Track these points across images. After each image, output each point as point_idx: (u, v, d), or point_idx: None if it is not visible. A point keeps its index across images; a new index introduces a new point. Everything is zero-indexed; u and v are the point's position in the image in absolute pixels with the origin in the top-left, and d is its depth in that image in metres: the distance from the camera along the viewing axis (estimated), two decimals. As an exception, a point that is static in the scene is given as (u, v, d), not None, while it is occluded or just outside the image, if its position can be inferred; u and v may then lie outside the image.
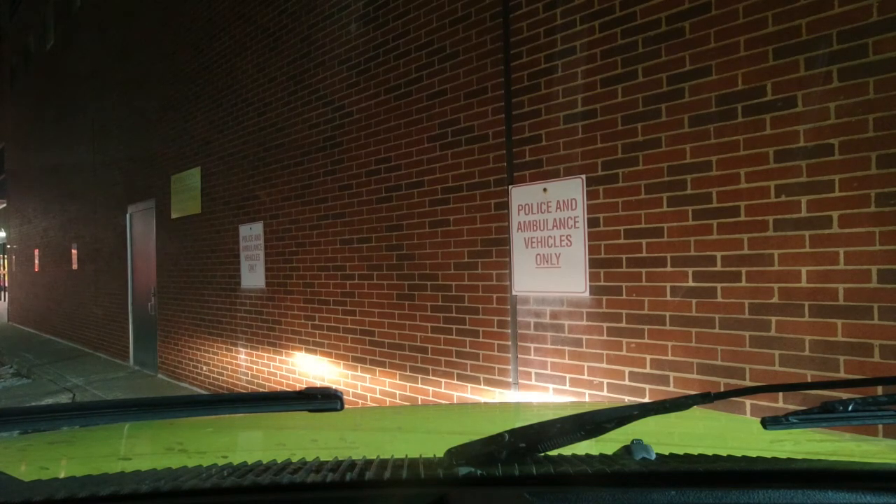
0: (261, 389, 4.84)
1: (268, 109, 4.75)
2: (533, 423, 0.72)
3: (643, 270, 2.45)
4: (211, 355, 5.57)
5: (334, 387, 0.73)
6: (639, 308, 2.46)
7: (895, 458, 0.97)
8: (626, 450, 0.72)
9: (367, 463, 0.69)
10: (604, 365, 2.57)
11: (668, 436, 1.09)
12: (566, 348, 2.70)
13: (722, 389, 2.15)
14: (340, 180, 3.99)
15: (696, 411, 1.20)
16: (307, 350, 4.31)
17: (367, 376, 3.78)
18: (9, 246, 13.86)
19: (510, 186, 2.93)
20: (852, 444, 1.13)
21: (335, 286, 4.04)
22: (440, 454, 0.70)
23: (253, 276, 4.90)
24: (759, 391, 0.82)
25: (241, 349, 5.10)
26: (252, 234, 4.90)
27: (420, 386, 3.42)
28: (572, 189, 2.67)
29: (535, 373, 2.83)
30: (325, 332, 4.14)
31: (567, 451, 0.72)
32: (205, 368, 5.69)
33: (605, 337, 2.57)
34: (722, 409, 1.77)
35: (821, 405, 0.71)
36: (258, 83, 4.87)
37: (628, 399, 2.47)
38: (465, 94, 3.17)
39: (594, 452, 0.73)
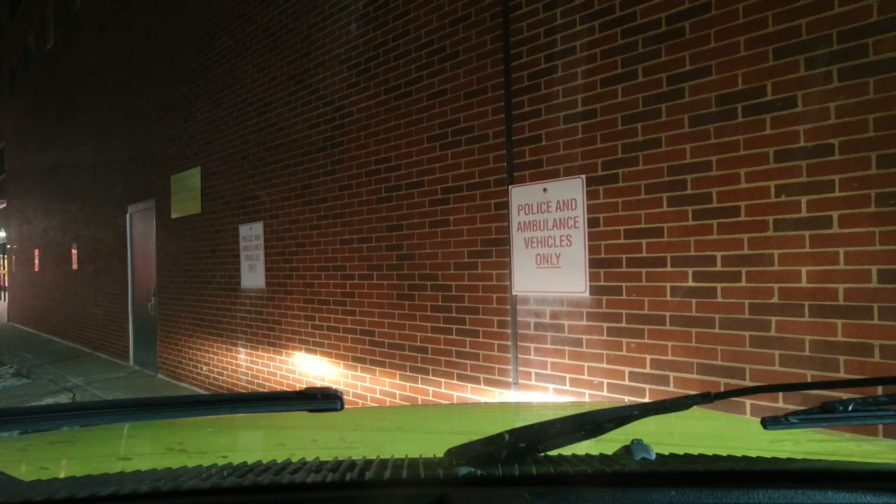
0: (261, 389, 4.83)
1: (268, 109, 4.75)
2: (533, 423, 0.71)
3: (643, 270, 2.45)
4: (211, 355, 5.57)
5: (334, 387, 0.74)
6: (639, 308, 2.46)
7: (895, 458, 0.97)
8: (626, 450, 0.72)
9: (367, 463, 0.69)
10: (604, 365, 2.57)
11: (668, 436, 1.09)
12: (566, 348, 2.71)
13: (722, 389, 2.15)
14: (340, 180, 3.99)
15: (696, 411, 1.19)
16: (307, 350, 4.32)
17: (367, 376, 3.78)
18: (9, 246, 13.86)
19: (510, 186, 2.93)
20: (852, 444, 1.13)
21: (335, 286, 4.04)
22: (440, 454, 0.70)
23: (253, 275, 4.90)
24: (759, 391, 0.82)
25: (241, 349, 5.11)
26: (252, 234, 4.90)
27: (420, 386, 3.42)
28: (572, 189, 2.67)
29: (535, 373, 2.83)
30: (325, 332, 4.14)
31: (567, 451, 0.71)
32: (205, 368, 5.69)
33: (605, 337, 2.57)
34: (722, 409, 1.76)
35: (821, 405, 0.70)
36: (258, 83, 4.87)
37: (628, 399, 2.47)
38: (465, 94, 3.17)
39: (594, 452, 0.73)
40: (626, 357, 2.50)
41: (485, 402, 2.88)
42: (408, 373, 3.49)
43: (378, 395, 3.70)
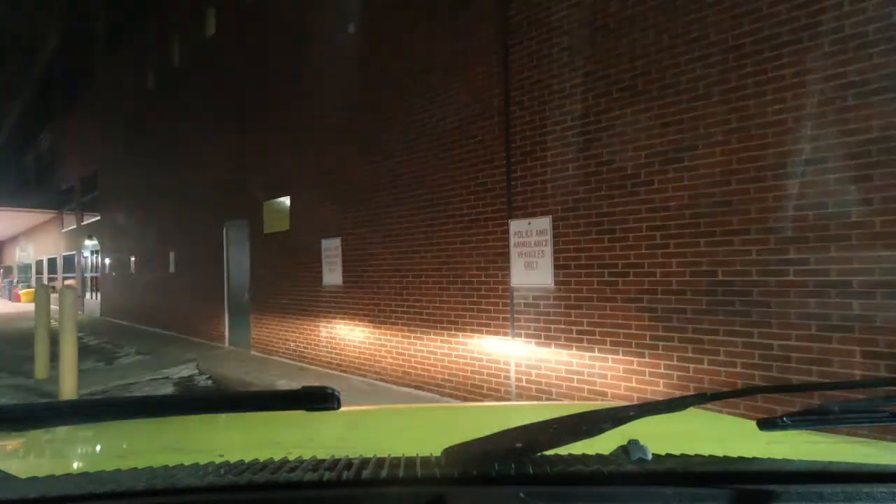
0: (335, 354, 6.81)
1: (345, 159, 6.74)
2: (530, 424, 0.72)
3: (582, 271, 4.29)
4: (297, 335, 7.57)
5: (331, 387, 0.72)
6: (580, 292, 4.31)
7: (889, 460, 0.96)
8: (623, 450, 0.71)
9: (364, 462, 0.69)
10: (562, 326, 4.42)
11: (665, 436, 1.03)
12: (540, 317, 4.57)
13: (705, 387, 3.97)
14: (399, 212, 5.93)
15: (692, 412, 1.20)
16: (373, 326, 6.26)
17: (417, 342, 5.70)
18: (100, 252, 16.27)
19: (509, 220, 4.81)
20: (847, 445, 1.13)
21: (395, 282, 5.97)
22: (437, 454, 0.70)
23: (332, 275, 6.88)
24: (756, 392, 0.95)
25: (321, 329, 7.09)
26: (332, 247, 6.89)
27: (452, 346, 5.32)
28: (545, 223, 4.54)
29: (524, 331, 4.70)
30: (387, 313, 6.08)
31: (564, 451, 0.71)
32: (292, 345, 7.70)
33: (562, 310, 4.42)
34: (718, 411, 1.92)
35: (816, 407, 0.72)
36: (336, 140, 6.86)
37: (575, 350, 4.30)
38: (482, 161, 5.07)
39: (591, 452, 0.73)
40: (573, 321, 4.35)
41: (482, 403, 3.54)
42: (444, 338, 5.39)
43: (425, 354, 5.61)
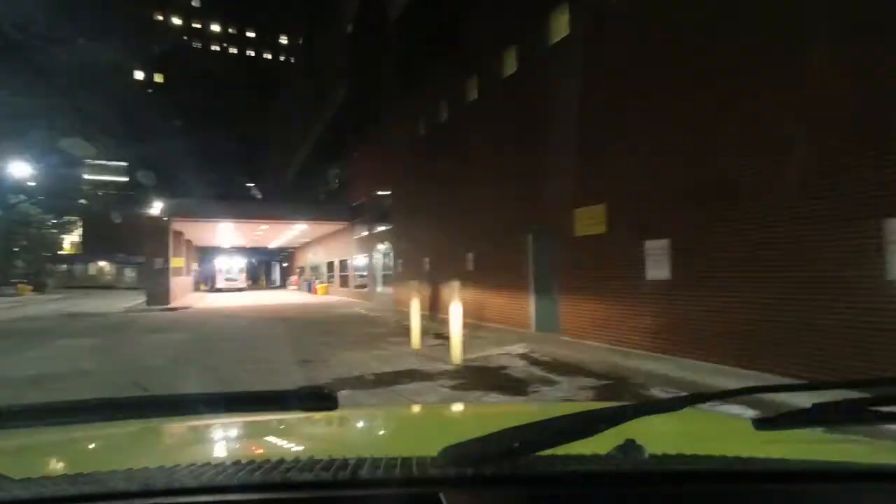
0: (660, 339, 7.81)
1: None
2: (527, 424, 0.72)
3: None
4: (610, 323, 8.81)
5: (328, 388, 0.75)
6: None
7: (886, 460, 0.98)
8: (619, 449, 0.73)
9: (360, 462, 0.69)
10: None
11: (662, 436, 1.09)
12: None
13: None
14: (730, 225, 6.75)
15: (689, 412, 1.19)
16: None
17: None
18: (392, 255, 19.99)
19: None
20: (844, 445, 1.16)
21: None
22: (434, 454, 0.71)
23: (658, 271, 7.89)
24: (752, 392, 0.94)
25: (646, 318, 8.15)
26: (657, 247, 7.94)
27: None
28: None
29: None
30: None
31: (560, 450, 0.72)
32: (604, 332, 8.96)
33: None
34: (715, 411, 1.96)
35: (812, 407, 0.74)
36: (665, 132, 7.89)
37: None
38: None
39: (588, 452, 0.74)
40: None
41: (481, 404, 3.34)
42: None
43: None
